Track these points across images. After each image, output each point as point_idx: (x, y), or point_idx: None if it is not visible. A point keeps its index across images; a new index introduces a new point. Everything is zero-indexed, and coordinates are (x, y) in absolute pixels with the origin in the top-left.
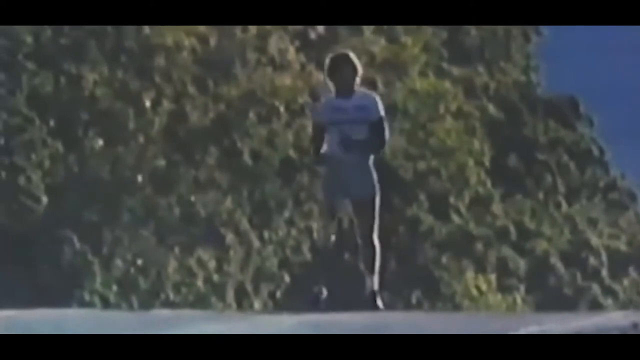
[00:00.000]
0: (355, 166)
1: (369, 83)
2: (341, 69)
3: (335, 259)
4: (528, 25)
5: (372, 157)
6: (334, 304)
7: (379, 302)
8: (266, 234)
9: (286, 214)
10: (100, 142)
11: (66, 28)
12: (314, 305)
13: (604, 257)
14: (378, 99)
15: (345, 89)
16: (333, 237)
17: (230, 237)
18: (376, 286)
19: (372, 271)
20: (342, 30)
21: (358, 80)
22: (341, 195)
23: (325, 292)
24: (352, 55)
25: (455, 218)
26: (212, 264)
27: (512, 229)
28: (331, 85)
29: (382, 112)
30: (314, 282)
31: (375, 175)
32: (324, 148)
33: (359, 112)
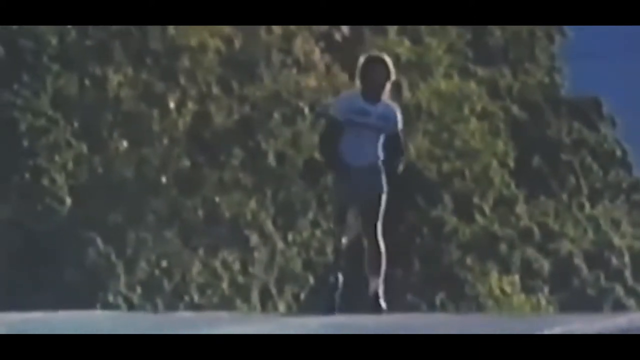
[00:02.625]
0: (366, 170)
1: (393, 84)
2: (374, 71)
3: (357, 261)
4: (552, 26)
5: (382, 158)
6: (357, 307)
7: (383, 304)
8: (290, 236)
9: (310, 215)
10: (125, 144)
11: (90, 30)
12: (331, 292)
13: (627, 258)
14: (399, 112)
15: (374, 93)
16: (345, 241)
17: (254, 239)
18: (380, 289)
19: (377, 274)
20: (367, 31)
21: (388, 87)
22: (352, 200)
23: (341, 278)
24: (389, 60)
25: (479, 219)
26: (236, 266)
27: (536, 230)
28: (360, 86)
29: (401, 126)
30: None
31: (384, 175)
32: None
33: (382, 120)
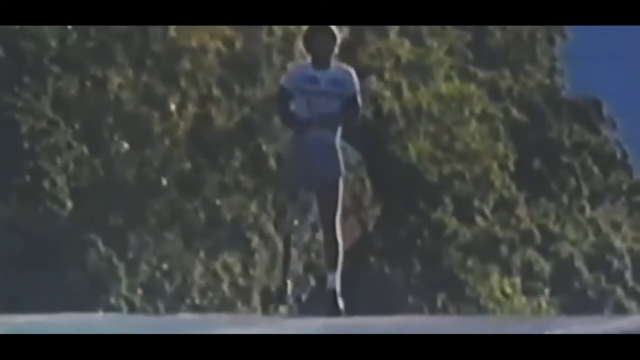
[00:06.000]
0: (321, 143)
1: (394, 86)
2: (319, 38)
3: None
4: (552, 26)
5: (339, 135)
6: (356, 307)
7: (340, 303)
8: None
9: (311, 217)
10: (126, 146)
11: (92, 31)
12: (282, 284)
13: (628, 260)
14: (354, 74)
15: (321, 60)
16: (295, 222)
17: (255, 241)
18: (338, 286)
19: (334, 268)
20: (367, 33)
21: (336, 51)
22: (304, 174)
23: (301, 296)
24: (333, 26)
25: (480, 221)
26: (237, 268)
27: (536, 232)
28: (308, 55)
29: (357, 88)
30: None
31: (340, 156)
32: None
33: (333, 85)
